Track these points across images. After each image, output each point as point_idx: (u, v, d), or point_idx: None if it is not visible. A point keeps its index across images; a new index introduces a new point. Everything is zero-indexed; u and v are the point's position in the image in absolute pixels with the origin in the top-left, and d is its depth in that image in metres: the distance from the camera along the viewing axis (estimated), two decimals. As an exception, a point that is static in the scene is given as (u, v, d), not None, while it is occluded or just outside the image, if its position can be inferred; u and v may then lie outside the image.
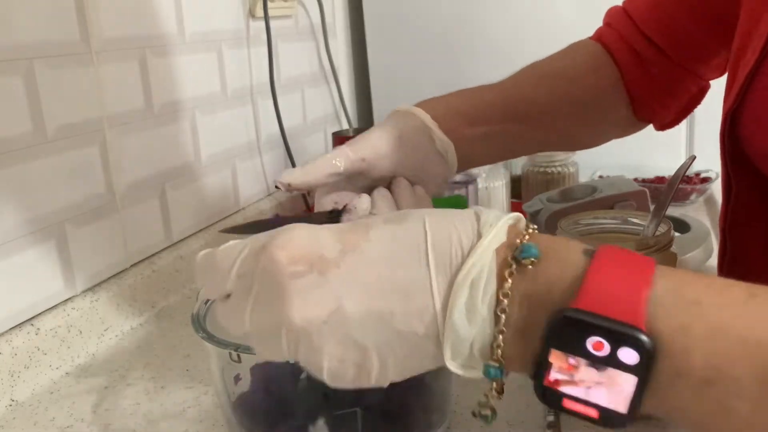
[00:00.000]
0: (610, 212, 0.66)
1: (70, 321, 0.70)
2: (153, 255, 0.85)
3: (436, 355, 0.32)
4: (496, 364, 0.31)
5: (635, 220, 0.63)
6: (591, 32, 0.73)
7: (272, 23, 1.09)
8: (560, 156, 1.07)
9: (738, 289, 0.29)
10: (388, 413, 0.50)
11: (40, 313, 0.69)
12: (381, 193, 0.56)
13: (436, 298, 0.31)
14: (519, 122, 0.65)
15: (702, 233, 0.82)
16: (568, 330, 0.29)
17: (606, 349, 0.28)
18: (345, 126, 1.44)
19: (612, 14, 0.71)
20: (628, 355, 0.28)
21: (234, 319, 0.34)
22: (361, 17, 1.42)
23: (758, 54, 0.49)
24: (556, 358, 0.29)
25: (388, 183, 0.58)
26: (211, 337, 0.48)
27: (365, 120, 1.53)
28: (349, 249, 0.32)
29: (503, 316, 0.30)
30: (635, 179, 1.07)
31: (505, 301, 0.30)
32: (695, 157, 0.66)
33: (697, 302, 0.28)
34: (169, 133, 0.89)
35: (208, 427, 0.58)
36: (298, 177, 0.54)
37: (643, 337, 0.28)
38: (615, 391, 0.29)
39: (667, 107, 0.71)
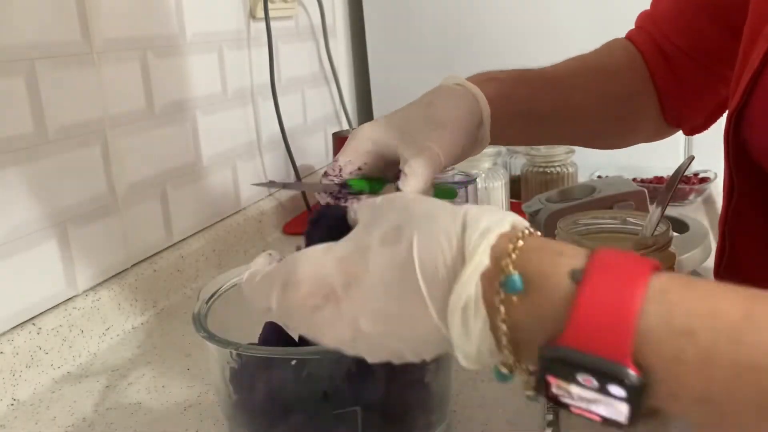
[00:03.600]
0: (609, 212, 0.67)
1: (71, 320, 0.70)
2: (154, 255, 0.85)
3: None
4: (506, 371, 0.33)
5: (634, 221, 0.63)
6: (588, 32, 0.73)
7: (273, 24, 1.09)
8: (560, 156, 1.07)
9: (732, 308, 0.28)
10: (388, 413, 0.50)
11: (41, 313, 0.69)
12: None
13: (436, 321, 0.33)
14: (550, 110, 0.65)
15: (700, 233, 0.83)
16: (558, 365, 0.30)
17: (595, 384, 0.29)
18: (345, 126, 1.44)
19: (642, 18, 0.72)
20: (617, 390, 0.28)
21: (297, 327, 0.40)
22: (361, 17, 1.42)
23: (762, 55, 0.50)
24: (552, 380, 0.30)
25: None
26: (211, 337, 0.48)
27: (365, 120, 1.53)
28: (351, 280, 0.36)
29: (504, 338, 0.32)
30: (634, 179, 1.07)
31: (503, 326, 0.32)
32: (694, 158, 0.66)
33: (689, 332, 0.28)
34: (170, 134, 0.89)
35: (209, 427, 0.58)
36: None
37: (630, 374, 0.28)
38: (612, 409, 0.30)
39: (696, 110, 0.71)
